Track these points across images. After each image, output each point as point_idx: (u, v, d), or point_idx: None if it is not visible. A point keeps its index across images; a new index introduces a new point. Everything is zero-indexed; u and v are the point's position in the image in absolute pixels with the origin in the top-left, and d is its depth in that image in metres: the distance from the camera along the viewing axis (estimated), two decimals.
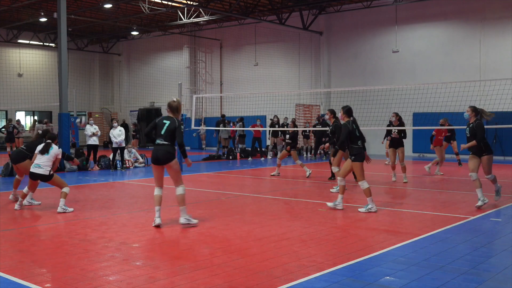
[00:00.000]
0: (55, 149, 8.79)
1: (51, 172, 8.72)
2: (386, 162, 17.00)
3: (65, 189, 8.74)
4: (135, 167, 17.32)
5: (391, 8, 23.36)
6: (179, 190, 7.39)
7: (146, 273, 5.09)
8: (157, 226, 7.24)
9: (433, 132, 14.97)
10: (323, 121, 19.87)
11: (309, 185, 12.46)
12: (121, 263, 5.49)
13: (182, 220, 7.33)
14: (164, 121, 7.43)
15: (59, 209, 8.54)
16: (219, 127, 21.11)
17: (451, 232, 6.98)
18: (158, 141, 7.32)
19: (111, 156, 16.77)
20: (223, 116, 22.84)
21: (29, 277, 4.99)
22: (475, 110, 8.91)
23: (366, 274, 5.09)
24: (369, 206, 8.46)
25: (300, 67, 26.60)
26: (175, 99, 7.69)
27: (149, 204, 9.54)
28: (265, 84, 26.99)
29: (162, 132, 7.32)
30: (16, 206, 8.77)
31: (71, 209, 8.59)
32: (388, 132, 13.66)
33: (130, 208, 9.05)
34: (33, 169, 8.62)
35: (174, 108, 7.57)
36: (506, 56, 20.58)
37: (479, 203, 8.74)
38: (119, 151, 16.60)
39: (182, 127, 7.54)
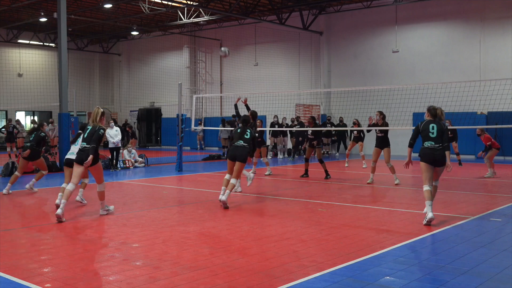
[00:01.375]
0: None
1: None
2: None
3: (86, 180, 9.70)
4: (135, 167, 17.32)
5: (391, 8, 23.36)
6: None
7: (146, 273, 5.09)
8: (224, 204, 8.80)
9: None
10: (301, 121, 20.35)
11: (309, 185, 12.46)
12: (121, 263, 5.49)
13: None
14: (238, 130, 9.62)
15: (77, 198, 9.55)
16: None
17: (451, 232, 6.99)
18: (237, 143, 9.40)
19: (109, 156, 16.78)
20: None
21: (29, 277, 4.99)
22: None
23: (366, 274, 5.09)
24: None
25: (300, 67, 26.60)
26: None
27: (149, 204, 9.54)
28: (265, 84, 26.98)
29: (244, 136, 9.49)
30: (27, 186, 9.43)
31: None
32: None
33: (130, 208, 9.05)
34: (68, 156, 9.46)
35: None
36: (506, 56, 20.58)
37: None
38: (115, 151, 16.63)
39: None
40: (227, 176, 9.35)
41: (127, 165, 17.12)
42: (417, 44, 23.09)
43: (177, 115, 16.21)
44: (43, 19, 24.91)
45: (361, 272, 5.14)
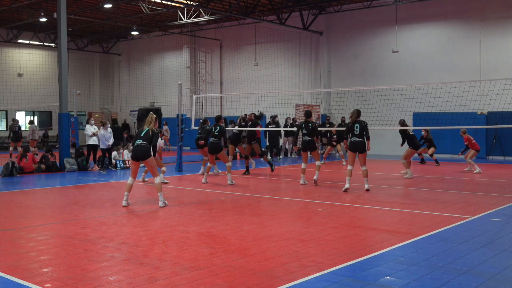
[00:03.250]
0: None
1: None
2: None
3: (164, 168, 11.32)
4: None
5: (391, 8, 23.36)
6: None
7: (146, 273, 5.09)
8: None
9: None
10: (277, 121, 20.86)
11: (309, 185, 12.46)
12: (121, 263, 5.49)
13: None
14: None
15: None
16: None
17: (451, 232, 6.99)
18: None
19: (94, 157, 16.84)
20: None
21: (29, 277, 4.99)
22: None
23: (366, 274, 5.09)
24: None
25: (300, 67, 26.60)
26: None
27: (149, 204, 9.54)
28: (265, 84, 26.98)
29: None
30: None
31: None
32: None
33: (130, 208, 9.04)
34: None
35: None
36: (506, 56, 20.58)
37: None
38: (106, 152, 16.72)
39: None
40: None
41: (127, 165, 17.10)
42: (417, 44, 23.09)
43: (177, 115, 16.21)
44: (43, 19, 24.91)
45: (361, 272, 5.14)
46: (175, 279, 4.89)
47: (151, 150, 9.14)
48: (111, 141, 16.47)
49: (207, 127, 14.09)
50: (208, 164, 13.07)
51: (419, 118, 21.42)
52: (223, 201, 9.96)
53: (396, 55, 23.55)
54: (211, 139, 12.51)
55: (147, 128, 9.27)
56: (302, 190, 11.58)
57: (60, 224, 7.72)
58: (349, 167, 11.09)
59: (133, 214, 8.43)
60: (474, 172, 14.82)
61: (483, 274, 5.07)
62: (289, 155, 22.77)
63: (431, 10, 22.59)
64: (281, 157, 21.70)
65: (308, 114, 12.30)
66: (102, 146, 16.40)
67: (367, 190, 11.00)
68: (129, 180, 9.19)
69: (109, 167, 16.59)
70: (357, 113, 11.26)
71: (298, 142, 23.23)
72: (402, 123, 14.82)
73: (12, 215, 8.52)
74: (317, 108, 25.60)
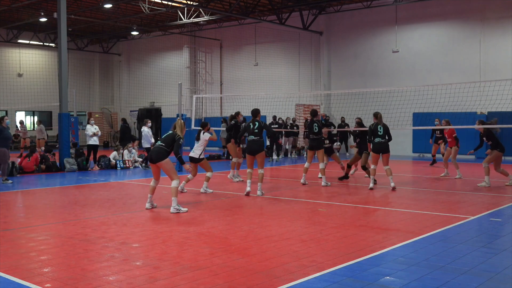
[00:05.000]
0: (205, 136, 10.92)
1: (201, 156, 10.83)
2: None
3: (209, 174, 10.85)
4: (135, 167, 17.31)
5: (391, 8, 23.36)
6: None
7: (146, 273, 5.09)
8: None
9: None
10: (280, 122, 20.99)
11: (309, 185, 12.46)
12: (121, 263, 5.49)
13: None
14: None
15: (202, 190, 10.84)
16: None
17: (451, 232, 6.99)
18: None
19: (94, 157, 16.91)
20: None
21: (29, 277, 4.99)
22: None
23: (366, 274, 5.09)
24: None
25: (300, 67, 26.60)
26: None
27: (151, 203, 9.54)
28: (265, 84, 26.98)
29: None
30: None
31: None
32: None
33: (130, 208, 9.05)
34: (190, 154, 10.92)
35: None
36: (506, 56, 20.58)
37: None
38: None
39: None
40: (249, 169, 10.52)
41: (127, 165, 17.11)
42: (417, 44, 23.09)
43: (177, 115, 16.21)
44: (43, 19, 24.91)
45: (361, 272, 5.14)
46: (175, 279, 4.89)
47: (167, 154, 8.76)
48: (152, 140, 16.54)
49: (244, 124, 12.32)
50: (248, 170, 10.59)
51: (419, 118, 21.41)
52: (223, 201, 9.96)
53: (396, 55, 23.55)
54: (250, 137, 10.49)
55: (171, 132, 9.05)
56: (302, 190, 11.58)
57: (60, 224, 7.72)
58: (372, 166, 11.51)
59: (133, 214, 8.43)
60: (456, 177, 13.60)
61: (483, 274, 5.07)
62: (289, 155, 22.78)
63: (431, 10, 22.59)
64: (280, 157, 21.72)
65: (314, 113, 12.21)
66: (146, 145, 16.45)
67: (393, 188, 11.25)
68: (152, 182, 8.97)
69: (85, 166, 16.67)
70: (380, 115, 11.61)
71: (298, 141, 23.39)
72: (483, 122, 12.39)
73: (12, 215, 8.52)
74: (317, 108, 25.61)
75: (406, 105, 18.83)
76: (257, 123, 10.50)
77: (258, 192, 10.53)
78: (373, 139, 11.41)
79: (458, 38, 22.08)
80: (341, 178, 13.17)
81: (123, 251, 5.98)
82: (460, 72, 21.39)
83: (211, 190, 11.07)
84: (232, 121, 13.71)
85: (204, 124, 11.36)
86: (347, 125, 22.18)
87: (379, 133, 11.33)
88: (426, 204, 9.42)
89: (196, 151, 10.85)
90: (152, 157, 8.78)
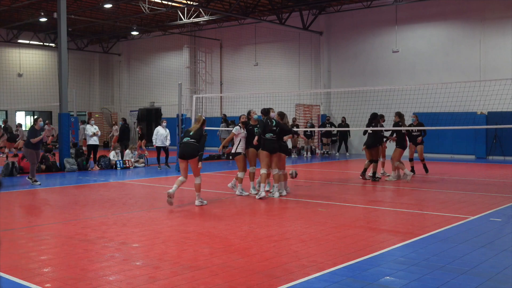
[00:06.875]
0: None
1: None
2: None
3: (241, 174, 10.43)
4: (135, 167, 17.31)
5: (391, 8, 23.35)
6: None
7: (146, 273, 5.09)
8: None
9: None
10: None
11: (309, 185, 12.46)
12: (121, 263, 5.49)
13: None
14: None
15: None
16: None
17: (451, 232, 6.99)
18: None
19: (94, 157, 16.85)
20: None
21: (29, 277, 4.99)
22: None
23: (366, 274, 5.09)
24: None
25: (300, 67, 26.60)
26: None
27: (149, 204, 9.55)
28: (265, 84, 26.98)
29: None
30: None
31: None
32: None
33: (130, 208, 9.04)
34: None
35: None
36: (506, 56, 20.57)
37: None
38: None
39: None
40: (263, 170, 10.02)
41: (127, 165, 17.11)
42: (417, 44, 23.09)
43: (177, 115, 16.21)
44: (43, 19, 24.90)
45: (361, 272, 5.14)
46: (175, 279, 4.89)
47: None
48: (168, 141, 16.56)
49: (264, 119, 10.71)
50: (263, 171, 10.02)
51: (419, 118, 21.37)
52: (223, 201, 9.96)
53: (396, 55, 23.55)
54: (268, 135, 9.93)
55: (198, 127, 9.09)
56: (302, 190, 11.58)
57: (60, 224, 7.72)
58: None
59: (133, 214, 8.43)
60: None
61: (483, 274, 5.07)
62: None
63: (431, 10, 22.58)
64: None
65: (265, 112, 10.58)
66: (159, 144, 16.50)
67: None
68: (181, 178, 9.16)
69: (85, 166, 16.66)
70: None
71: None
72: None
73: (12, 215, 8.52)
74: (317, 108, 25.61)
75: (406, 105, 18.81)
76: (274, 121, 10.00)
77: (276, 194, 10.03)
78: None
79: (458, 38, 22.08)
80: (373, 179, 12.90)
81: (123, 251, 5.98)
82: (460, 72, 21.39)
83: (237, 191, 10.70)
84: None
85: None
86: (348, 125, 22.18)
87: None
88: (426, 204, 9.42)
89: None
90: (184, 153, 8.87)
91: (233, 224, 7.58)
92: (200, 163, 9.10)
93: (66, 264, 5.45)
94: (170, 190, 8.98)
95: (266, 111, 10.23)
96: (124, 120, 20.51)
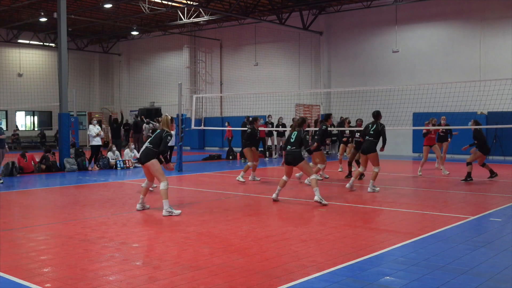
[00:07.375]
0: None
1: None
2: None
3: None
4: (135, 167, 17.30)
5: (391, 8, 23.36)
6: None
7: (146, 273, 5.09)
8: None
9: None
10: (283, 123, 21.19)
11: (309, 185, 12.44)
12: (121, 263, 5.49)
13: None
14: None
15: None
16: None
17: (451, 232, 6.98)
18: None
19: (96, 157, 16.84)
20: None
21: (29, 277, 4.99)
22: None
23: (366, 274, 5.09)
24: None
25: (300, 67, 26.60)
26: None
27: (149, 204, 9.54)
28: (265, 84, 26.99)
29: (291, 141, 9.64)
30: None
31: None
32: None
33: (130, 208, 9.04)
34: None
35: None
36: (506, 56, 20.57)
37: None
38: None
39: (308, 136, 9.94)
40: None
41: (127, 165, 17.11)
42: (417, 44, 23.09)
43: (177, 115, 16.20)
44: (43, 19, 24.92)
45: (361, 272, 5.13)
46: (175, 279, 4.89)
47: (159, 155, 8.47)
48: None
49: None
50: (298, 175, 11.67)
51: (419, 118, 21.40)
52: (223, 201, 9.96)
53: (396, 55, 23.55)
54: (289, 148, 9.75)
55: (158, 131, 8.70)
56: (302, 190, 11.58)
57: (60, 224, 7.72)
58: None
59: (133, 214, 8.43)
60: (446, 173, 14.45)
61: (483, 274, 5.07)
62: None
63: (431, 10, 22.59)
64: (275, 157, 21.90)
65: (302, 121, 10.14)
66: (93, 143, 16.50)
67: None
68: (144, 183, 8.80)
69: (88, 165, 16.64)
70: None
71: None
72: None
73: (12, 215, 8.52)
74: (317, 108, 25.61)
75: (406, 105, 18.83)
76: (295, 133, 9.70)
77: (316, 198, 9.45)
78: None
79: (458, 38, 22.08)
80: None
81: (123, 251, 5.98)
82: (460, 72, 21.39)
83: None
84: (248, 129, 13.31)
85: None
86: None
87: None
88: (426, 204, 9.42)
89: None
90: (140, 158, 8.52)
91: (233, 224, 7.58)
92: (172, 164, 8.97)
93: (66, 264, 5.45)
94: (137, 206, 8.72)
95: (301, 123, 9.92)
96: (136, 115, 20.48)
